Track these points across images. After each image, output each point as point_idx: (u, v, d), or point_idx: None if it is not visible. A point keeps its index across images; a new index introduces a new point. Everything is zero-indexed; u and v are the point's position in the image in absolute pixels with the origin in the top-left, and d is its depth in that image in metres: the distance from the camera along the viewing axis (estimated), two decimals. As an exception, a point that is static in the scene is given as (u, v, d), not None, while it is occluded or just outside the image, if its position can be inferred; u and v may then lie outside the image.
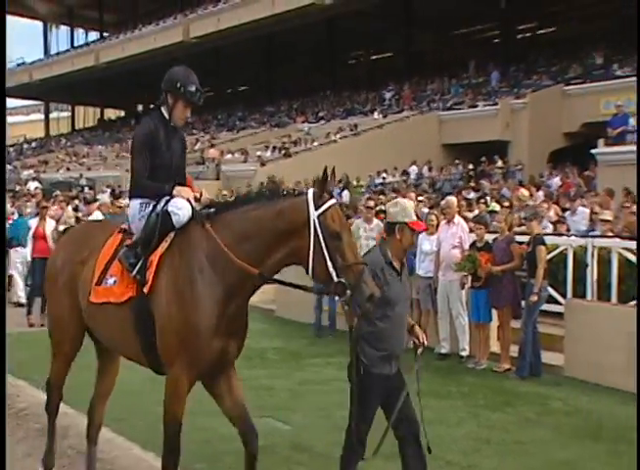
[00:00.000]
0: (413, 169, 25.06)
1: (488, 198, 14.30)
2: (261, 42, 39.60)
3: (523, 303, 7.82)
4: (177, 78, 4.06)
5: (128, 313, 3.86)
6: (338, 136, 27.73)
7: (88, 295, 4.05)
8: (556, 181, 18.74)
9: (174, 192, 3.96)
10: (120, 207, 11.96)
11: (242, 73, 44.16)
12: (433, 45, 36.69)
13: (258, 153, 28.18)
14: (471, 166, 24.09)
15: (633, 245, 8.54)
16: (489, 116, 26.68)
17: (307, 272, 3.63)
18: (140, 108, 51.04)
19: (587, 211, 11.29)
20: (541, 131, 25.60)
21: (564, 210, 11.86)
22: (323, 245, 3.56)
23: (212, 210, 3.93)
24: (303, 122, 32.68)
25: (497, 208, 11.77)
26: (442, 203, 10.30)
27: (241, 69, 43.01)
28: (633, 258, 8.23)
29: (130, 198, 4.17)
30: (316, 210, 3.60)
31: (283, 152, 27.21)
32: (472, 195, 15.82)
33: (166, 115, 4.11)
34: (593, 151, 15.81)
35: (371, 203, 10.55)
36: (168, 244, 3.85)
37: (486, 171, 23.54)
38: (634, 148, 15.05)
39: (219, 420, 4.15)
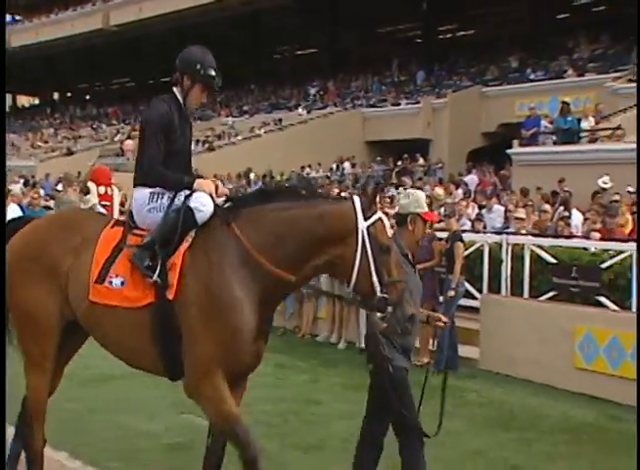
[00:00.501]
0: (336, 166, 25.28)
1: (409, 195, 14.56)
2: (185, 34, 38.86)
3: (441, 298, 8.03)
4: (196, 59, 3.74)
5: (146, 320, 3.48)
6: (262, 130, 27.63)
7: (86, 291, 3.58)
8: (474, 179, 19.31)
9: (195, 185, 3.59)
10: (35, 198, 11.47)
11: (164, 65, 43.07)
12: (357, 43, 37.01)
13: (181, 146, 27.68)
14: (394, 164, 24.52)
15: (544, 242, 8.92)
16: (412, 114, 27.20)
17: (347, 283, 3.44)
18: (56, 96, 49.25)
19: (502, 208, 11.69)
20: (461, 131, 26.32)
21: (480, 207, 12.24)
22: (371, 258, 3.39)
23: (231, 204, 3.63)
24: (227, 116, 32.38)
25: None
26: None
27: (163, 60, 41.97)
28: (544, 254, 8.58)
29: (136, 186, 3.71)
30: (365, 220, 3.41)
31: (206, 146, 26.88)
32: (392, 191, 16.09)
33: (180, 98, 3.75)
34: (508, 151, 16.39)
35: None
36: (189, 244, 3.49)
37: (408, 169, 24.00)
38: (546, 149, 15.72)
39: (135, 417, 4.08)
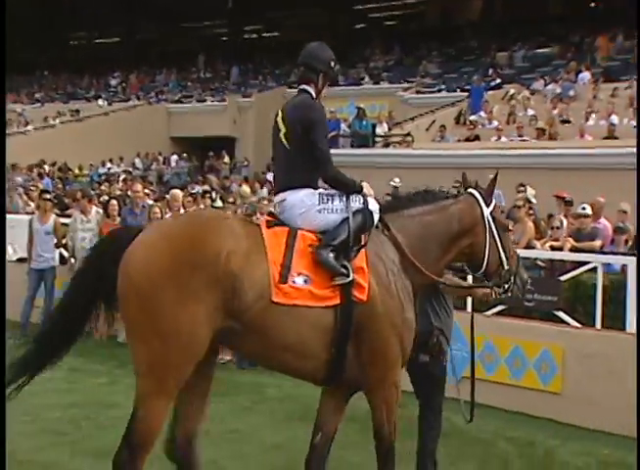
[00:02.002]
0: (139, 161, 24.47)
1: (214, 193, 14.54)
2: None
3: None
4: (330, 57, 3.87)
5: (330, 321, 3.45)
6: (57, 121, 25.92)
7: (264, 293, 3.35)
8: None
9: (365, 189, 3.74)
10: None
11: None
12: (161, 35, 36.14)
13: (-38, 132, 25.13)
14: (201, 161, 24.31)
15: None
16: (218, 111, 27.12)
17: (480, 266, 3.94)
18: None
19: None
20: (266, 130, 26.15)
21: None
22: (497, 238, 3.94)
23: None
24: (16, 103, 29.94)
25: (219, 203, 12.05)
26: (168, 196, 10.22)
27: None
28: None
29: (293, 187, 3.64)
30: (487, 207, 3.97)
31: (-9, 133, 24.61)
32: (197, 189, 15.93)
33: (314, 96, 3.79)
34: (311, 152, 16.92)
35: (87, 193, 10.09)
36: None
37: (214, 166, 23.91)
38: (344, 151, 16.49)
39: None
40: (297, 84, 3.91)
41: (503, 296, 4.17)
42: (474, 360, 4.50)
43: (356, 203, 3.67)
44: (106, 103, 28.50)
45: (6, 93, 31.99)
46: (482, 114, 17.25)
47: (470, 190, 4.06)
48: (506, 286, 4.02)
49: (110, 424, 5.68)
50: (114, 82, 32.17)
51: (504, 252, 3.97)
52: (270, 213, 3.81)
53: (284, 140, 3.75)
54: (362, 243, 3.60)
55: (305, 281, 3.44)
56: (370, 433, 5.67)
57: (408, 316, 3.65)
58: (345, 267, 3.47)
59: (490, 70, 22.78)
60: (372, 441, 5.42)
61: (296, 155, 3.67)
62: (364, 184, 3.77)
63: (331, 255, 3.47)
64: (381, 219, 3.75)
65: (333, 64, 3.86)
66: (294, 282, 3.42)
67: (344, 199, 3.65)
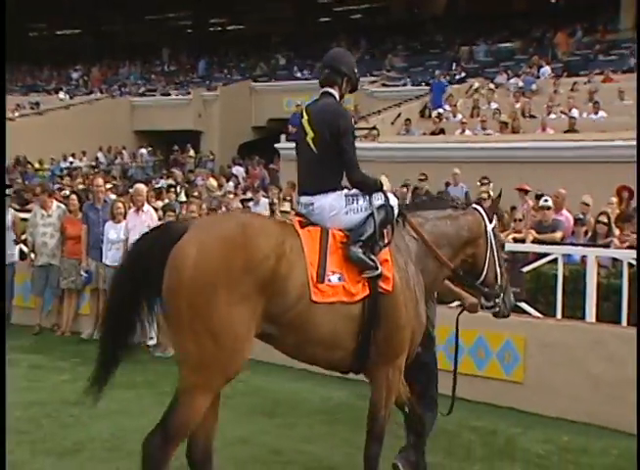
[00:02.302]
0: (103, 155, 24.13)
1: (179, 187, 14.41)
2: None
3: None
4: (354, 63, 4.07)
5: (359, 313, 3.68)
6: (16, 114, 25.38)
7: (304, 293, 3.51)
8: (240, 171, 19.64)
9: (384, 185, 4.01)
10: None
11: None
12: (124, 27, 35.61)
13: None
14: (166, 155, 24.06)
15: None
16: (182, 105, 26.87)
17: (479, 275, 4.24)
18: None
19: (267, 201, 12.01)
20: (232, 124, 26.57)
21: (249, 200, 12.45)
22: (496, 253, 4.26)
23: None
24: (-26, 96, 29.22)
25: (184, 197, 11.95)
26: (131, 190, 10.08)
27: None
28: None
29: (320, 191, 3.79)
30: (490, 223, 4.29)
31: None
32: (161, 183, 15.78)
33: (338, 99, 3.99)
34: (276, 145, 16.89)
35: (48, 187, 9.92)
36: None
37: (179, 160, 23.69)
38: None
39: None
40: (320, 86, 4.02)
41: (489, 310, 4.41)
42: (457, 356, 4.66)
43: (378, 200, 3.89)
44: (67, 96, 28.01)
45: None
46: (447, 107, 17.39)
47: (474, 205, 4.41)
48: (496, 300, 4.33)
49: (72, 422, 5.61)
50: (75, 75, 31.63)
51: (499, 267, 4.30)
52: (298, 214, 3.92)
53: (311, 144, 3.83)
54: (387, 237, 3.84)
55: (339, 278, 3.65)
56: (337, 425, 5.73)
57: (421, 308, 3.93)
58: (373, 261, 3.70)
59: (454, 65, 22.98)
60: (338, 433, 5.47)
61: (323, 159, 3.80)
62: (383, 179, 4.24)
63: (360, 250, 3.69)
64: (400, 214, 4.02)
65: (355, 70, 4.05)
66: (329, 280, 3.61)
67: (368, 198, 3.88)
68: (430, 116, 17.59)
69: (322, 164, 3.78)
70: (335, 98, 3.93)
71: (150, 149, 24.83)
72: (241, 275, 3.32)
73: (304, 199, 3.86)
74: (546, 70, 18.92)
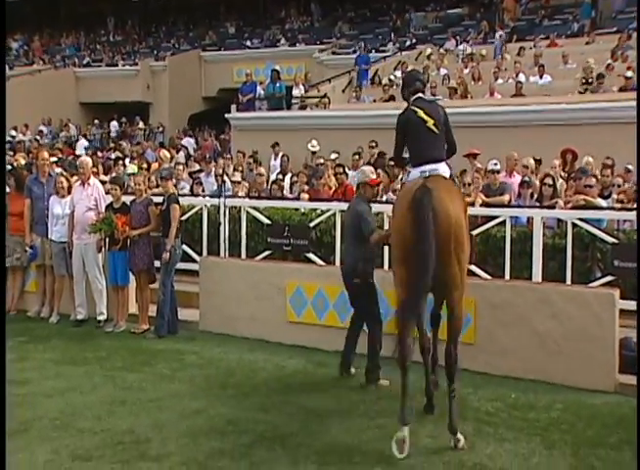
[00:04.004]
0: (48, 128, 23.43)
1: (127, 160, 14.11)
2: None
3: (157, 262, 7.92)
4: None
5: None
6: (-46, 87, 24.39)
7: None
8: (190, 142, 19.33)
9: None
10: None
11: None
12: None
13: None
14: (113, 127, 23.49)
15: (260, 203, 9.27)
16: (129, 76, 26.23)
17: None
18: None
19: (219, 172, 11.86)
20: (181, 94, 26.08)
21: (199, 171, 12.29)
22: None
23: None
24: None
25: (135, 170, 11.70)
26: (77, 163, 9.82)
27: None
28: (259, 215, 8.92)
29: (443, 160, 5.21)
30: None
31: None
32: (112, 156, 15.43)
33: None
34: (227, 115, 16.65)
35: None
36: None
37: (127, 133, 23.19)
38: (261, 114, 16.29)
39: None
40: (415, 92, 5.46)
41: None
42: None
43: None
44: (7, 67, 27.00)
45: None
46: (398, 73, 17.35)
47: None
48: None
49: (18, 401, 5.50)
50: (15, 45, 30.48)
51: None
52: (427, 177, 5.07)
53: (433, 128, 5.19)
54: None
55: None
56: (292, 393, 5.77)
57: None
58: None
59: (404, 31, 22.90)
60: (293, 401, 5.50)
61: (441, 138, 5.25)
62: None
63: None
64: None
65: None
66: None
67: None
68: (380, 83, 17.54)
69: (441, 142, 5.24)
70: (426, 100, 5.52)
71: (96, 121, 24.20)
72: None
73: (429, 166, 5.08)
74: (500, 34, 19.00)
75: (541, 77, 15.21)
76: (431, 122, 5.18)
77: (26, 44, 30.43)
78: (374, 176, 6.38)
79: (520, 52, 17.35)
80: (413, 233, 4.65)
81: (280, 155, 13.29)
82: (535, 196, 8.32)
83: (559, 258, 7.07)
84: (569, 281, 6.85)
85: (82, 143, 21.34)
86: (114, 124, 24.22)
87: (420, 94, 5.46)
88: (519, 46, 17.76)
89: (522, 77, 15.12)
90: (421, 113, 5.22)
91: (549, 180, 8.18)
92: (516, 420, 5.17)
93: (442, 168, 5.13)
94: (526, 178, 8.70)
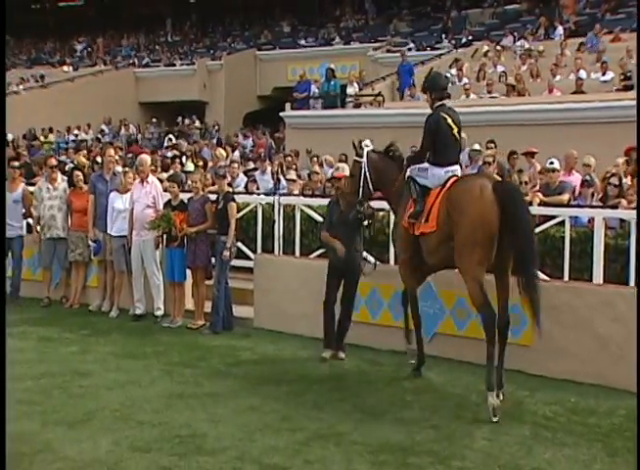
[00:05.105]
0: (108, 127, 24.02)
1: (184, 158, 14.35)
2: None
3: (213, 260, 8.03)
4: None
5: None
6: (21, 87, 25.29)
7: None
8: (249, 142, 19.51)
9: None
10: None
11: None
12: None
13: None
14: (173, 126, 23.92)
15: (314, 202, 9.29)
16: (187, 75, 26.66)
17: None
18: None
19: (275, 170, 11.95)
20: (237, 93, 26.36)
21: (254, 169, 12.40)
22: None
23: None
24: (-22, 70, 29.09)
25: (192, 167, 11.89)
26: (136, 161, 10.04)
27: None
28: (314, 214, 8.94)
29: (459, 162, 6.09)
30: None
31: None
32: (169, 154, 15.72)
33: None
34: (281, 114, 16.75)
35: (53, 161, 9.85)
36: None
37: (184, 131, 23.58)
38: (315, 112, 16.34)
39: None
40: (441, 99, 5.99)
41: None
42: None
43: None
44: (72, 68, 27.85)
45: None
46: (454, 71, 17.13)
47: None
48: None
49: (82, 393, 5.68)
50: (79, 47, 31.40)
51: None
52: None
53: (456, 135, 5.92)
54: None
55: None
56: (346, 391, 5.78)
57: None
58: None
59: (460, 28, 22.59)
60: (348, 399, 5.51)
61: (459, 144, 6.08)
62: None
63: None
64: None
65: None
66: None
67: None
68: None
69: (459, 147, 6.16)
70: (449, 107, 6.00)
71: (154, 120, 24.70)
72: None
73: (452, 167, 5.89)
74: (560, 30, 18.52)
75: (604, 74, 14.78)
76: (455, 130, 5.90)
77: (90, 46, 31.27)
78: (342, 171, 7.11)
79: (580, 48, 16.89)
80: (501, 222, 5.28)
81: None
82: (598, 195, 8.09)
83: (621, 260, 6.86)
84: (632, 283, 6.64)
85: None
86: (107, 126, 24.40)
87: (445, 100, 6.02)
88: (579, 41, 17.29)
89: (582, 74, 14.73)
90: (449, 120, 5.89)
91: (615, 180, 7.91)
92: (575, 425, 5.04)
93: (459, 169, 6.02)
94: (587, 177, 8.47)
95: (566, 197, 7.99)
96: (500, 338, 5.39)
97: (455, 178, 5.79)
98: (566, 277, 6.92)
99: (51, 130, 23.00)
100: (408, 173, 6.17)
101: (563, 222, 7.19)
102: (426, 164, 5.97)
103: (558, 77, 15.17)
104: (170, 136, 21.35)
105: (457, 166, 5.96)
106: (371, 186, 6.45)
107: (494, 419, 5.06)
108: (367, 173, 6.43)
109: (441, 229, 5.60)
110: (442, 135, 5.84)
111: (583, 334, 5.99)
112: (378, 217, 7.14)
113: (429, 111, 6.05)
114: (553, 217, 7.27)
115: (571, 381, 5.93)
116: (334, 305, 6.91)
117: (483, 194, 5.40)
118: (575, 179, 8.70)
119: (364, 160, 6.46)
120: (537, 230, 7.22)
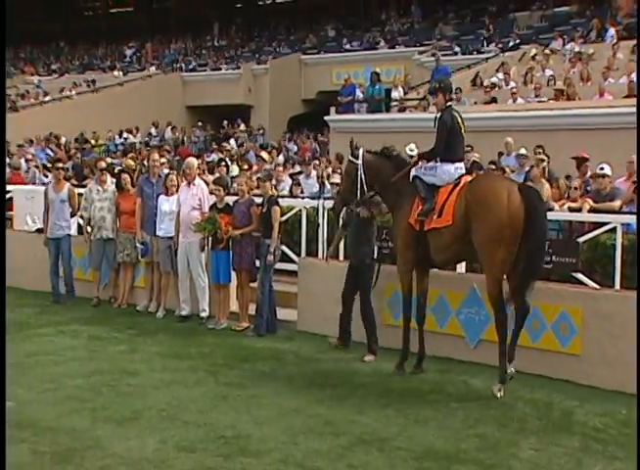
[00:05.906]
0: (156, 130, 24.44)
1: (229, 161, 14.50)
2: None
3: (257, 262, 8.08)
4: None
5: None
6: (73, 92, 25.93)
7: None
8: (294, 146, 19.60)
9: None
10: None
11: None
12: (176, 3, 35.81)
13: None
14: (217, 130, 24.20)
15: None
16: (232, 79, 26.96)
17: None
18: None
19: (320, 173, 11.97)
20: (281, 97, 26.53)
21: (299, 173, 12.45)
22: None
23: None
24: (32, 75, 29.98)
25: (237, 171, 12.00)
26: (183, 164, 10.18)
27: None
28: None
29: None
30: None
31: (8, 105, 24.72)
32: (213, 157, 15.89)
33: None
34: (326, 118, 16.79)
35: (103, 164, 10.07)
36: None
37: (230, 135, 23.83)
38: (360, 116, 16.32)
39: None
40: (450, 100, 6.40)
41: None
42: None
43: None
44: (121, 73, 28.44)
45: (25, 64, 32.18)
46: (500, 75, 16.93)
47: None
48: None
49: (130, 391, 5.78)
50: (129, 52, 32.05)
51: None
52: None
53: (463, 134, 6.27)
54: None
55: None
56: (389, 396, 5.75)
57: None
58: None
59: (507, 32, 22.30)
60: (391, 404, 5.48)
61: (464, 142, 6.40)
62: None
63: None
64: None
65: None
66: None
67: None
68: (482, 84, 17.16)
69: (464, 146, 6.49)
70: (455, 109, 6.45)
71: (200, 123, 25.03)
72: None
73: (460, 164, 6.27)
74: (611, 32, 18.10)
75: (657, 77, 14.38)
76: (463, 129, 6.28)
77: (139, 51, 31.90)
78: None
79: (633, 50, 16.47)
80: (527, 224, 5.54)
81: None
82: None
83: (676, 269, 6.66)
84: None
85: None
86: (165, 130, 24.70)
87: (451, 103, 6.48)
88: (632, 44, 16.87)
89: (635, 77, 14.37)
90: (459, 119, 6.27)
91: (673, 186, 7.70)
92: (627, 438, 4.90)
93: (464, 167, 6.37)
94: (640, 183, 8.25)
95: (617, 203, 7.80)
96: (519, 323, 5.83)
97: (471, 176, 6.15)
98: (617, 286, 6.76)
99: (101, 133, 23.53)
100: (414, 173, 6.37)
101: (614, 229, 7.02)
102: (432, 163, 6.27)
103: (609, 81, 14.84)
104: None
105: (462, 164, 6.31)
106: (366, 186, 6.63)
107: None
108: (362, 173, 6.57)
109: (458, 224, 5.80)
110: (455, 133, 6.22)
111: (634, 344, 5.83)
112: (383, 211, 7.04)
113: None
114: (604, 224, 7.11)
115: (622, 392, 5.78)
116: (348, 297, 7.22)
117: (512, 194, 5.61)
118: (624, 186, 8.49)
119: (360, 161, 6.61)
120: (587, 237, 7.10)
